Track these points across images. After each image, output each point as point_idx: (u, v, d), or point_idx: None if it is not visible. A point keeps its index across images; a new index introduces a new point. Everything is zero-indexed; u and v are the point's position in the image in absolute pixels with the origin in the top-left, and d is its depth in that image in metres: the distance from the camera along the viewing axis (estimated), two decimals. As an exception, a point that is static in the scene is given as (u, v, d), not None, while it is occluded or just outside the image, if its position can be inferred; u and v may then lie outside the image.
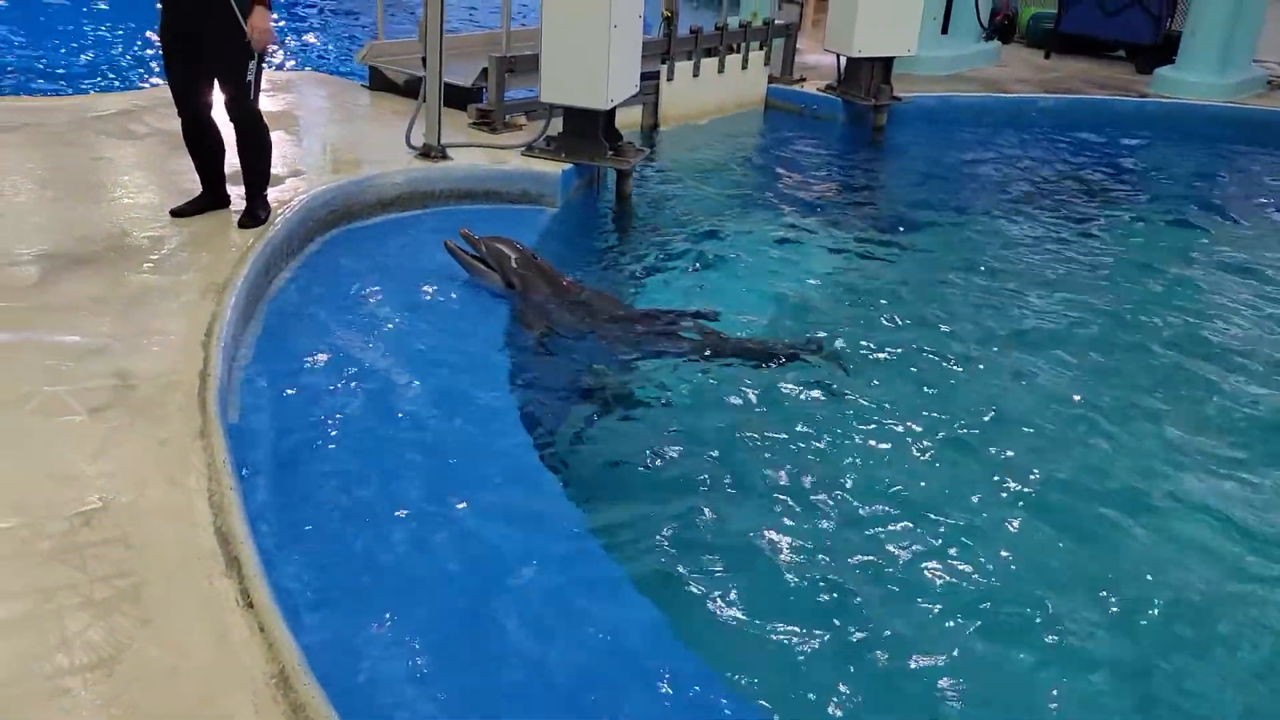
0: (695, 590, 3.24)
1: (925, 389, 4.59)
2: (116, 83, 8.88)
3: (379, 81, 7.88)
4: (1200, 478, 4.06)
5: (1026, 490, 3.87)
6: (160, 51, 4.81)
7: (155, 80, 8.71)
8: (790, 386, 4.52)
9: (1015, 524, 3.68)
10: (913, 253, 6.42)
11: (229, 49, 4.65)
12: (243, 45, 4.64)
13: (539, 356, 4.70)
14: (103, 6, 12.15)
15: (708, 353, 4.77)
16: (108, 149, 6.02)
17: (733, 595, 3.22)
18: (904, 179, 8.25)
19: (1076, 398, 4.58)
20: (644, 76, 7.10)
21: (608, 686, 2.77)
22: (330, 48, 11.28)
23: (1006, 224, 7.04)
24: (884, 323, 5.28)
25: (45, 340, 3.81)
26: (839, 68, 9.13)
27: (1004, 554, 3.50)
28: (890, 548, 3.50)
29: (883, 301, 5.55)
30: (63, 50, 9.98)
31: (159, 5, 4.67)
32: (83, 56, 9.76)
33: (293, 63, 10.35)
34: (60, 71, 9.18)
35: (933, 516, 3.67)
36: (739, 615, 3.15)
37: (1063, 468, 4.03)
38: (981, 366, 4.85)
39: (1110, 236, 6.96)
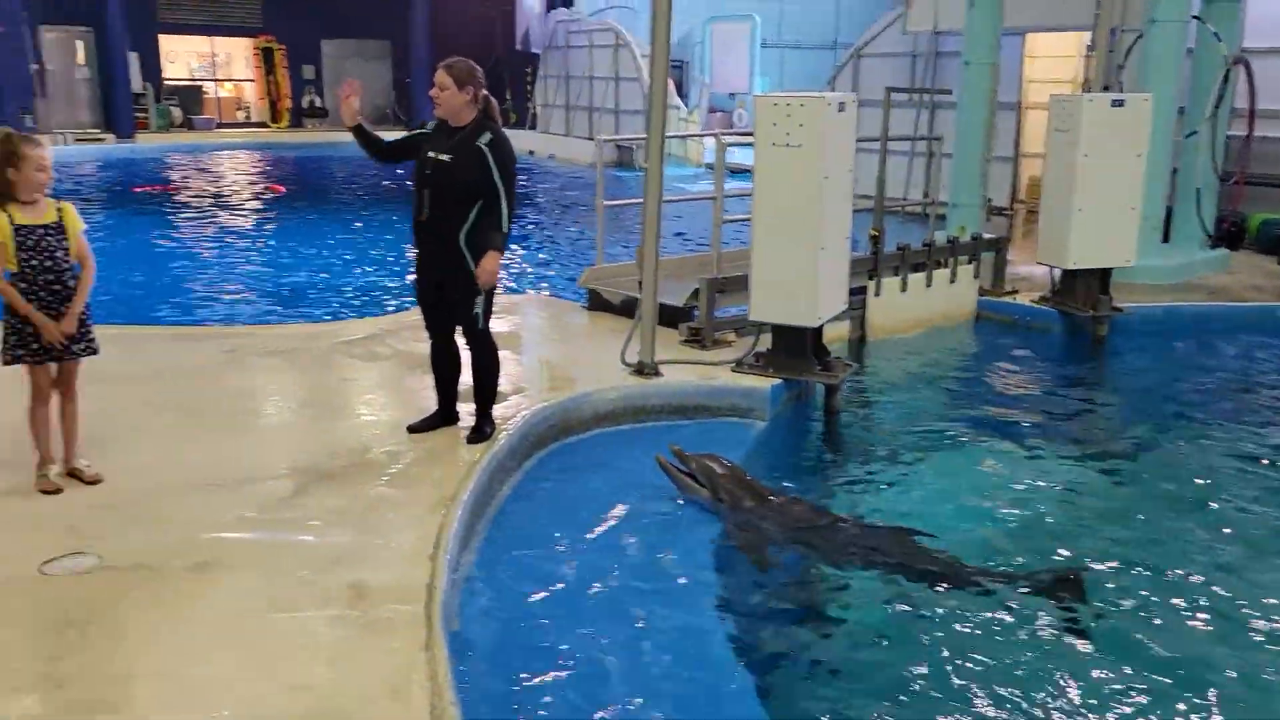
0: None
1: (1161, 636, 4.19)
2: (366, 310, 9.82)
3: (597, 302, 8.37)
4: None
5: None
6: (413, 286, 5.42)
7: (392, 306, 9.59)
8: (1010, 615, 4.28)
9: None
10: (1140, 473, 6.04)
11: (463, 288, 5.18)
12: (474, 285, 5.15)
13: (749, 571, 4.68)
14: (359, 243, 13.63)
15: (926, 572, 4.61)
16: (356, 370, 6.63)
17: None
18: (1128, 393, 7.88)
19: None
20: (852, 292, 7.24)
21: None
22: (553, 273, 12.12)
23: (1246, 442, 6.53)
24: (1111, 551, 4.93)
25: (292, 549, 4.15)
26: (1053, 278, 9.00)
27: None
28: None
29: (1108, 528, 5.21)
30: (325, 284, 11.20)
31: (413, 253, 5.31)
32: (344, 289, 10.91)
33: (517, 284, 11.17)
34: (322, 299, 10.30)
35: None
36: None
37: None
38: (1225, 611, 4.39)
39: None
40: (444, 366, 5.50)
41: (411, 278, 5.65)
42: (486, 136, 5.09)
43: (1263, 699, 3.82)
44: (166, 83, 29.41)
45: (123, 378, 6.06)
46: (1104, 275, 8.72)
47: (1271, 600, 4.49)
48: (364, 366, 6.71)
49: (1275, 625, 4.30)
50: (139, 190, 18.65)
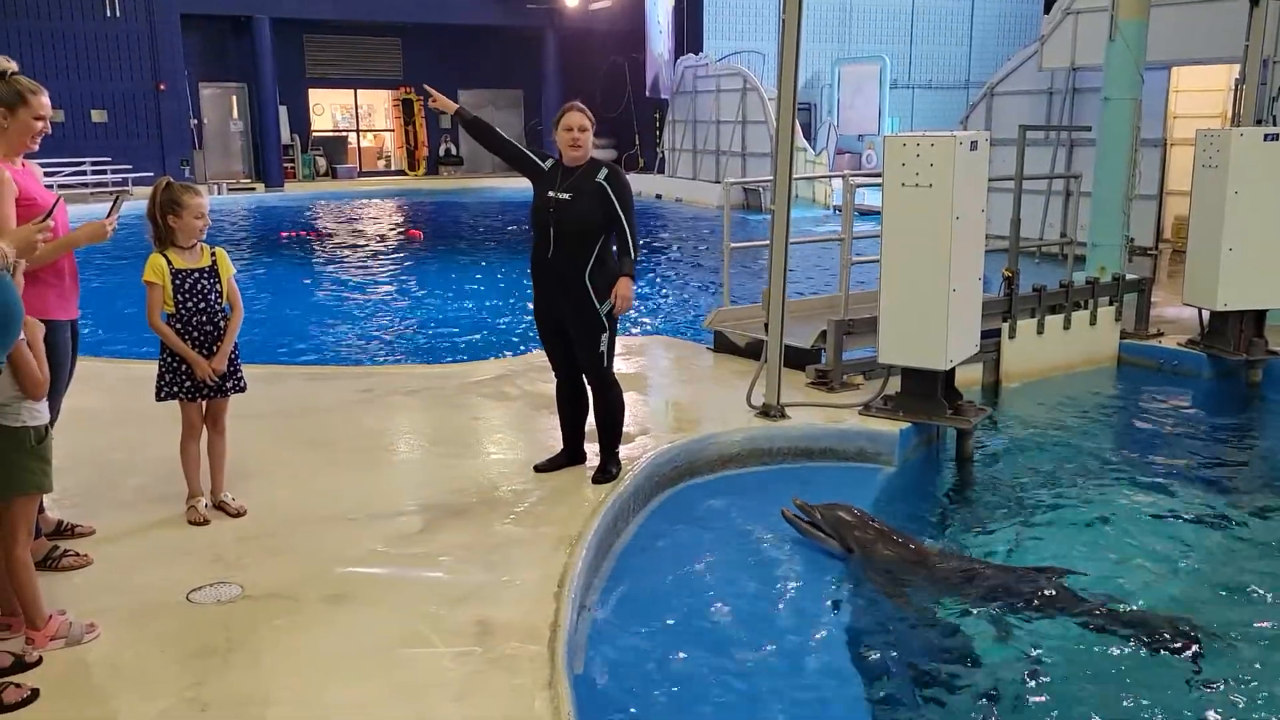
0: None
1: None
2: (497, 352, 10.05)
3: (723, 344, 8.36)
4: None
5: None
6: (536, 326, 5.50)
7: (524, 348, 9.78)
8: (1148, 664, 4.06)
9: None
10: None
11: (587, 327, 5.24)
12: (598, 323, 5.21)
13: (879, 617, 4.57)
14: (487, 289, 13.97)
15: (1065, 612, 4.44)
16: (485, 410, 6.77)
17: None
18: (1284, 442, 7.42)
19: None
20: (985, 334, 7.05)
21: None
22: (680, 314, 12.18)
23: None
24: (1260, 609, 4.64)
25: (421, 584, 4.24)
26: (1201, 321, 8.58)
27: None
28: None
29: (1258, 586, 4.90)
30: (458, 325, 11.53)
31: (532, 292, 5.40)
32: (475, 330, 11.21)
33: (642, 327, 11.26)
34: (454, 340, 10.60)
35: None
36: None
37: None
38: None
39: None
40: (569, 406, 5.57)
41: (530, 319, 5.72)
42: (604, 172, 5.19)
43: None
44: (314, 134, 30.91)
45: (265, 415, 6.33)
46: (1258, 317, 8.26)
47: None
48: (493, 406, 6.85)
49: None
50: (286, 236, 19.59)
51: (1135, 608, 4.59)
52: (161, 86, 25.93)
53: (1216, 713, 3.82)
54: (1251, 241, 7.97)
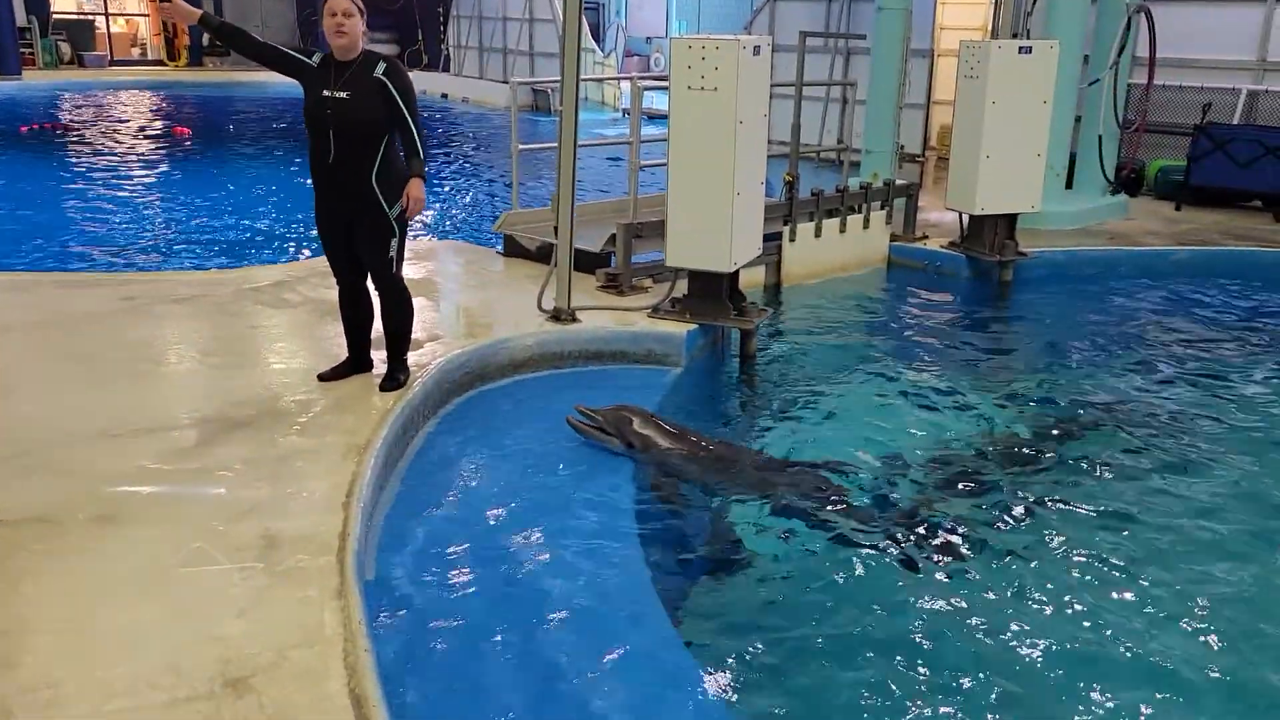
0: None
1: (1042, 568, 4.39)
2: (276, 256, 9.57)
3: (513, 248, 8.28)
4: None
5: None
6: (318, 232, 5.24)
7: (306, 252, 9.36)
8: (901, 546, 4.43)
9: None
10: (1040, 412, 6.24)
11: (375, 232, 5.04)
12: (387, 227, 5.01)
13: (665, 515, 4.74)
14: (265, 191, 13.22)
15: (829, 506, 4.75)
16: (264, 318, 6.45)
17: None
18: (1032, 335, 8.11)
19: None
20: (767, 237, 7.28)
21: None
22: (468, 218, 11.94)
23: (1141, 380, 6.80)
24: (1004, 487, 5.12)
25: (199, 501, 4.05)
26: (961, 224, 9.18)
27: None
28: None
29: (1003, 465, 5.40)
30: (231, 229, 10.87)
31: (315, 194, 5.10)
32: (251, 234, 10.59)
33: (431, 232, 10.99)
34: (229, 246, 9.99)
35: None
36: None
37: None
38: (1106, 544, 4.58)
39: (1248, 395, 6.61)
40: (353, 312, 5.37)
41: (311, 221, 5.43)
42: (382, 66, 4.90)
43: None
44: (54, 16, 27.94)
45: (13, 326, 5.82)
46: (1010, 220, 8.92)
47: (1146, 522, 4.75)
48: (272, 314, 6.53)
49: (1165, 547, 4.53)
50: (28, 129, 17.78)
51: (896, 497, 4.97)
52: None
53: (958, 600, 4.21)
54: (1006, 150, 8.54)
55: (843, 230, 8.85)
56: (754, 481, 4.99)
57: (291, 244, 10.07)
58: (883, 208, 9.22)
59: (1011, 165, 8.59)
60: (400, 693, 3.22)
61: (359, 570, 3.62)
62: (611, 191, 12.07)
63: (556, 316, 6.51)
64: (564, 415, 5.30)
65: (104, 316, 6.30)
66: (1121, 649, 3.77)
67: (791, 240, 8.46)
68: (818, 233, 8.64)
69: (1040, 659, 3.71)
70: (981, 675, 3.59)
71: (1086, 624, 3.94)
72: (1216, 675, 3.63)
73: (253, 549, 3.68)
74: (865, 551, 4.40)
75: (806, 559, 4.41)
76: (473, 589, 3.92)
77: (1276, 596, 4.21)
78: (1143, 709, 3.45)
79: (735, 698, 3.46)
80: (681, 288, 6.79)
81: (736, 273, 6.70)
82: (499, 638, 3.62)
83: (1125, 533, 4.66)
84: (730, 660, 3.66)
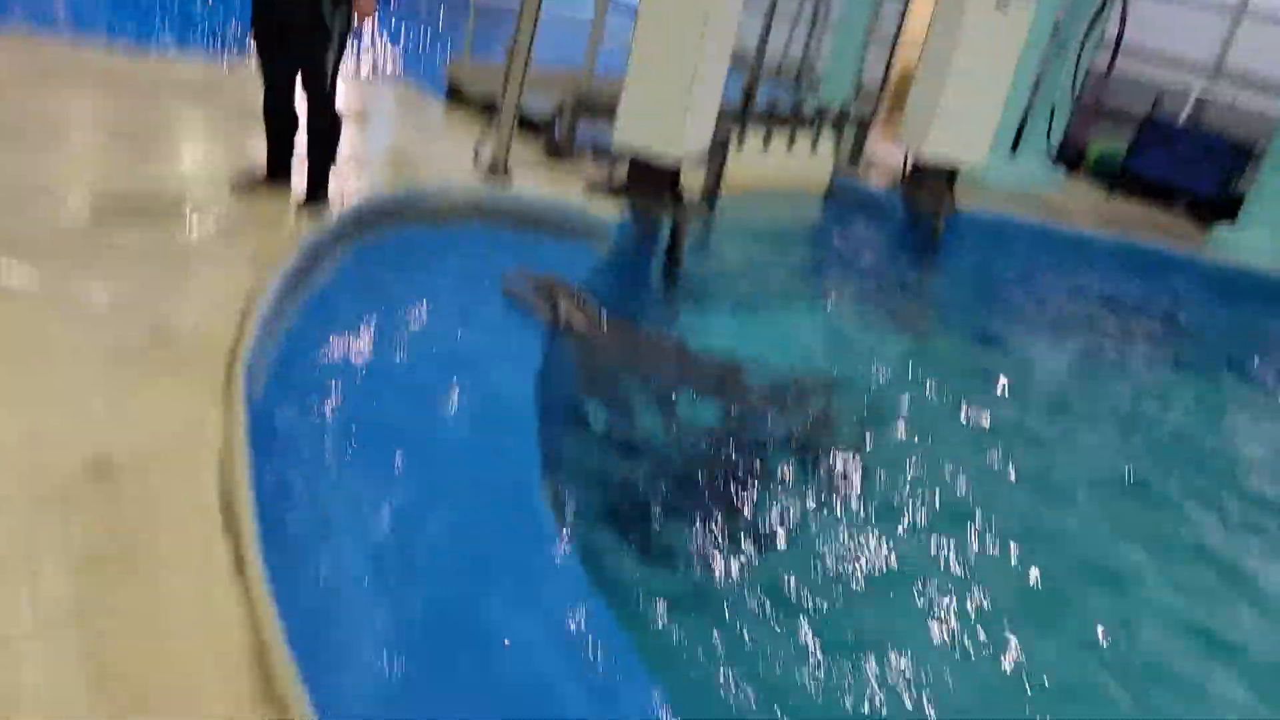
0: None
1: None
2: (206, 57, 9.03)
3: (456, 95, 7.97)
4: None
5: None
6: (251, 31, 4.91)
7: (238, 54, 8.85)
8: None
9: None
10: (938, 360, 6.36)
11: (313, 38, 4.74)
12: (326, 37, 4.73)
13: (568, 384, 4.70)
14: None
15: (729, 395, 4.83)
16: (185, 112, 6.09)
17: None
18: (949, 286, 8.23)
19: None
20: (714, 143, 7.15)
21: None
22: (415, 62, 11.44)
23: (1040, 348, 7.00)
24: (895, 413, 5.27)
25: (86, 286, 3.81)
26: (905, 168, 9.17)
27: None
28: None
29: (897, 394, 5.55)
30: (164, 14, 10.20)
31: None
32: (183, 28, 9.96)
33: (372, 67, 10.51)
34: (162, 34, 9.39)
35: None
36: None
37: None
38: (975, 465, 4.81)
39: (1131, 380, 6.86)
40: (278, 122, 5.07)
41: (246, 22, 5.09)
42: None
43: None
44: None
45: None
46: (951, 174, 8.94)
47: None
48: (193, 109, 6.18)
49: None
50: None
51: (790, 380, 5.09)
52: None
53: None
54: (965, 100, 8.50)
55: (790, 148, 8.74)
56: (660, 367, 4.99)
57: (224, 42, 9.51)
58: (835, 135, 9.14)
59: (968, 116, 8.57)
60: (274, 505, 3.11)
61: (247, 380, 3.48)
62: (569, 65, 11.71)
63: (492, 170, 6.31)
64: (484, 271, 5.17)
65: (11, 82, 5.85)
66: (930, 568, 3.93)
67: (739, 148, 8.33)
68: (765, 145, 8.52)
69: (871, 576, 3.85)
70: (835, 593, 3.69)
71: (918, 544, 4.13)
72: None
73: (136, 345, 3.48)
74: (756, 441, 4.45)
75: (702, 441, 4.48)
76: (359, 425, 3.79)
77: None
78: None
79: (585, 558, 3.46)
80: (623, 171, 6.64)
81: (679, 171, 6.57)
82: (374, 469, 3.53)
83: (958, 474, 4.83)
84: (594, 519, 3.70)
